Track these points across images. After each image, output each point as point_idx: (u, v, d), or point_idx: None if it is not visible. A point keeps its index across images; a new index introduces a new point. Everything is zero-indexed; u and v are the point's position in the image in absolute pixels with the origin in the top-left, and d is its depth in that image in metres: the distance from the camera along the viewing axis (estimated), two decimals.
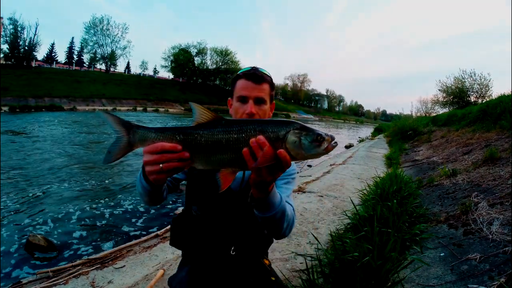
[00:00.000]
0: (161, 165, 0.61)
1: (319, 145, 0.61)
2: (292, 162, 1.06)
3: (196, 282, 0.96)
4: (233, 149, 0.61)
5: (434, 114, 17.33)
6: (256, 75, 0.96)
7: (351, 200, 2.75)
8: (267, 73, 1.01)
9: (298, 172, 6.38)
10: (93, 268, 1.90)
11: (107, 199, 4.55)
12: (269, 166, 0.60)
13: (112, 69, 53.48)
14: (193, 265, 1.01)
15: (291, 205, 0.96)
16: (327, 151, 0.62)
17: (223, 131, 0.62)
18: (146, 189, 0.78)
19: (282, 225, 0.83)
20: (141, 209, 4.17)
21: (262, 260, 1.10)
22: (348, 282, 1.46)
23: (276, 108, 2.00)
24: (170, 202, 4.46)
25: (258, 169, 0.60)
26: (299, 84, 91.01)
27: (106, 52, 50.56)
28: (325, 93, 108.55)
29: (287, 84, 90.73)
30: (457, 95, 15.79)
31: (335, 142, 0.63)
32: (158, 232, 2.54)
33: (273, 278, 1.07)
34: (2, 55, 37.20)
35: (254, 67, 1.01)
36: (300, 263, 1.99)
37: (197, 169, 0.65)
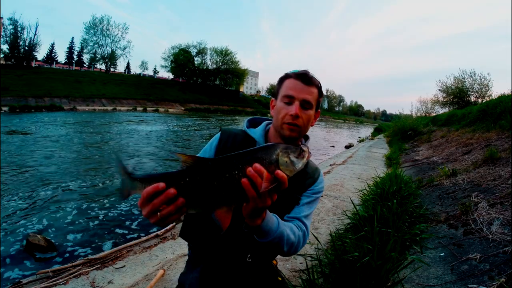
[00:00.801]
0: (158, 213, 0.58)
1: (303, 157, 0.67)
2: (322, 180, 1.05)
3: (210, 283, 0.97)
4: (227, 187, 0.61)
5: (434, 114, 17.33)
6: (306, 76, 0.91)
7: (351, 200, 2.75)
8: (317, 79, 0.95)
9: None
10: (93, 268, 1.89)
11: (107, 199, 4.55)
12: (269, 190, 0.61)
13: (112, 69, 53.45)
14: (205, 265, 1.01)
15: (305, 224, 0.94)
16: (307, 159, 0.70)
17: (213, 172, 0.61)
18: None
19: (282, 248, 0.83)
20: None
21: (272, 261, 1.11)
22: (348, 282, 1.46)
23: None
24: None
25: (257, 197, 0.61)
26: None
27: (106, 52, 50.54)
28: (325, 93, 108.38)
29: None
30: (457, 95, 15.82)
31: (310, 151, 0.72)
32: (158, 232, 2.54)
33: (280, 278, 1.08)
34: (2, 55, 37.18)
35: (304, 70, 0.95)
36: (300, 263, 1.99)
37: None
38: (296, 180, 0.93)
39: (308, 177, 1.00)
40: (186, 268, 1.09)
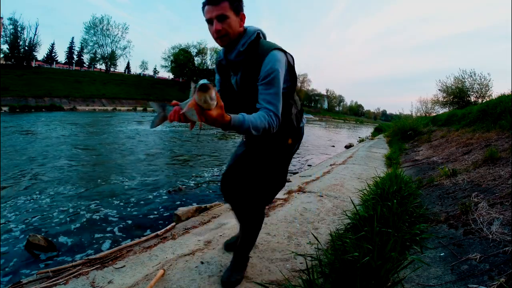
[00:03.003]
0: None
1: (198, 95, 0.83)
2: (271, 60, 1.16)
3: None
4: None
5: (434, 114, 17.32)
6: None
7: (351, 200, 2.75)
8: None
9: (297, 172, 6.37)
10: (93, 268, 1.89)
11: (107, 199, 4.55)
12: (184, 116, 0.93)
13: (112, 69, 53.45)
14: None
15: (270, 110, 1.12)
16: (205, 93, 0.83)
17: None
18: None
19: (258, 132, 1.06)
20: (142, 209, 4.17)
21: None
22: (348, 282, 1.46)
23: None
24: (170, 203, 4.46)
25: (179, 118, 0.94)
26: (299, 84, 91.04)
27: (106, 52, 50.58)
28: (325, 93, 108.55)
29: None
30: (457, 95, 15.80)
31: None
32: (158, 232, 2.54)
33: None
34: (2, 55, 37.18)
35: None
36: (300, 263, 1.99)
37: None
38: (248, 70, 1.20)
39: (255, 64, 1.18)
40: None
